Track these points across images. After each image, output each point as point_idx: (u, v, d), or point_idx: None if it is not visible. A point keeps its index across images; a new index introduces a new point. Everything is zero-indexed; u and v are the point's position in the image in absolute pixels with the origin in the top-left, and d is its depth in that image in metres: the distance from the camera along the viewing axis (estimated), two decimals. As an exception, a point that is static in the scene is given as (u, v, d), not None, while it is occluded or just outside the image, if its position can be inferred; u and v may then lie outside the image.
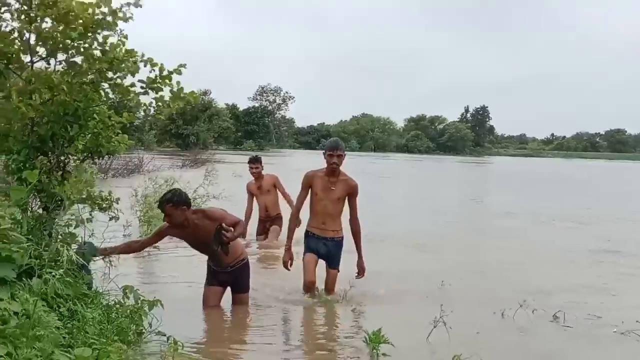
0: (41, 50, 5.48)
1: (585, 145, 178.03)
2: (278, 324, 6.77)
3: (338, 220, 7.56)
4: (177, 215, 6.53)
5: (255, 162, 11.35)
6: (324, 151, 7.47)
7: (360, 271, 7.63)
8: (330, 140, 7.58)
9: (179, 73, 5.72)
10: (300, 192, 7.57)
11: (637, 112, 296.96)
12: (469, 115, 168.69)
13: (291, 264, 7.39)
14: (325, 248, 7.55)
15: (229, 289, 7.12)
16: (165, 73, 5.69)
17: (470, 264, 10.83)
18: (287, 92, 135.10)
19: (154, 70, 5.68)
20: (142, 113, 6.13)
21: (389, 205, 21.25)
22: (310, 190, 7.51)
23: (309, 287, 7.50)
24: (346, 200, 7.52)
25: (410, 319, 7.04)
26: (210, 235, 6.58)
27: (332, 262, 7.62)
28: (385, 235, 13.21)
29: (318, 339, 6.33)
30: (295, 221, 7.67)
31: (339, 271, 7.65)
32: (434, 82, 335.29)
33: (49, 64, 5.60)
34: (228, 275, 6.95)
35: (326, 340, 6.25)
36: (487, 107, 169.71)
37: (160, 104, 5.81)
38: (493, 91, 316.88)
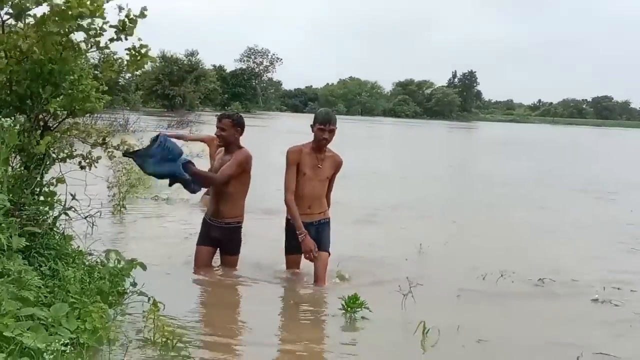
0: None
1: (571, 112, 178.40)
2: (260, 291, 6.71)
3: (324, 200, 6.72)
4: (231, 134, 6.80)
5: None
6: (312, 124, 6.50)
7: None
8: (321, 111, 6.64)
9: (144, 16, 5.58)
10: (288, 171, 6.51)
11: (623, 80, 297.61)
12: (456, 80, 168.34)
13: (316, 251, 6.45)
14: (313, 233, 6.55)
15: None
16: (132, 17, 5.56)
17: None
18: (274, 54, 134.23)
19: (120, 15, 5.54)
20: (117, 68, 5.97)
21: (385, 175, 21.22)
22: (297, 168, 6.52)
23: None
24: None
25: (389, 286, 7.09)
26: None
27: (323, 245, 6.64)
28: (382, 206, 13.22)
29: (296, 304, 6.34)
30: (294, 206, 6.49)
31: (330, 254, 6.71)
32: (425, 46, 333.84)
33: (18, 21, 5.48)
34: (221, 231, 6.78)
35: (305, 305, 6.27)
36: (474, 72, 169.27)
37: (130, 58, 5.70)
38: (482, 56, 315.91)
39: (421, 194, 15.43)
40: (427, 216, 12.25)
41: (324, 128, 6.44)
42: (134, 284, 5.40)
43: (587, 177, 22.27)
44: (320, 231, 6.63)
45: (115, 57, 5.84)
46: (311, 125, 6.51)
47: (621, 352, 5.39)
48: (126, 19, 5.50)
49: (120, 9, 5.45)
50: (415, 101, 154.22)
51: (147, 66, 5.72)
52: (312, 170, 6.52)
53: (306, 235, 6.39)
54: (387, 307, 6.09)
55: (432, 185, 17.84)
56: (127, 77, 56.41)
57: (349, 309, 5.77)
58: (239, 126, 6.85)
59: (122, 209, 10.00)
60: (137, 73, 6.00)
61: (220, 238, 6.88)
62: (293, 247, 6.64)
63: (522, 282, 7.53)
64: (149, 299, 5.11)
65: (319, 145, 6.52)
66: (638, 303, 6.81)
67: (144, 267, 5.57)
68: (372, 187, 16.41)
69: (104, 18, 5.39)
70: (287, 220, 6.66)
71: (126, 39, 5.56)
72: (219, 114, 7.07)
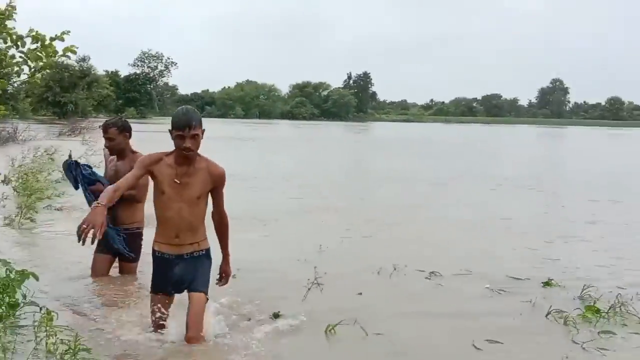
0: None
1: (463, 110, 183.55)
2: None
3: (201, 228, 4.99)
4: (120, 141, 6.70)
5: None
6: (170, 129, 4.75)
7: (224, 276, 5.34)
8: (178, 112, 4.80)
9: (62, 39, 5.59)
10: (131, 173, 4.85)
11: (512, 78, 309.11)
12: (351, 81, 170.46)
13: (96, 232, 4.24)
14: (181, 270, 4.99)
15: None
16: (47, 42, 5.57)
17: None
18: (169, 58, 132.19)
19: (36, 42, 5.55)
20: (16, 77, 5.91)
21: (273, 177, 21.29)
22: (154, 185, 4.93)
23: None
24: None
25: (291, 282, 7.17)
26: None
27: (196, 284, 4.99)
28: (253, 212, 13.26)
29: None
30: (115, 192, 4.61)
31: (207, 295, 5.04)
32: (322, 47, 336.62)
33: None
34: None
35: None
36: (369, 73, 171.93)
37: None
38: (378, 57, 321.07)
39: (320, 194, 15.62)
40: (325, 216, 12.40)
41: (183, 134, 4.68)
42: (24, 296, 5.26)
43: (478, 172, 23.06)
44: (192, 266, 4.98)
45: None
46: (170, 131, 4.76)
47: (509, 339, 5.65)
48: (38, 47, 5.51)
49: (35, 38, 5.46)
50: (312, 103, 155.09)
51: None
52: (173, 189, 4.82)
53: (101, 207, 4.33)
54: (289, 308, 6.14)
55: (330, 185, 18.05)
56: (15, 85, 54.16)
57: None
58: (126, 131, 6.75)
59: (19, 219, 9.66)
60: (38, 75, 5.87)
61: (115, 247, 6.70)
62: (159, 284, 5.09)
63: (415, 275, 7.76)
64: (40, 309, 4.99)
65: (182, 156, 4.77)
66: (528, 293, 7.09)
67: (36, 277, 5.43)
68: (271, 190, 16.45)
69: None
70: (154, 252, 5.07)
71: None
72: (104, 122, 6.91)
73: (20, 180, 11.21)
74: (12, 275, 5.33)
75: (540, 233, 11.07)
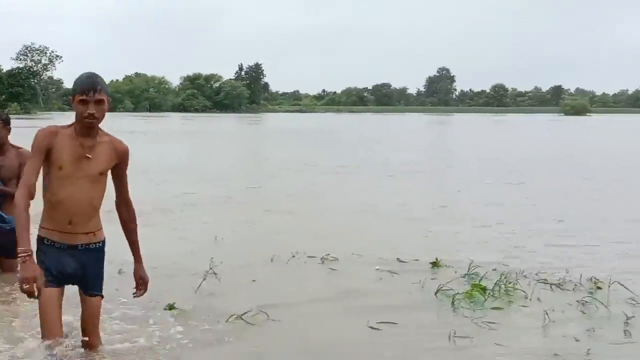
0: None
1: (354, 100, 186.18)
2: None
3: (96, 214, 4.32)
4: (3, 135, 6.51)
5: None
6: (72, 95, 4.22)
7: (140, 283, 4.57)
8: (81, 76, 4.21)
9: None
10: (31, 161, 4.17)
11: (401, 67, 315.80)
12: (243, 73, 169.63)
13: (40, 285, 3.98)
14: (75, 263, 4.27)
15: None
16: None
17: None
18: (54, 51, 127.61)
19: None
20: None
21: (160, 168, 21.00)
22: (49, 162, 4.17)
23: (55, 343, 4.27)
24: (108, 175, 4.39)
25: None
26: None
27: (92, 285, 4.38)
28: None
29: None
30: (27, 208, 4.05)
31: (102, 297, 4.49)
32: (214, 38, 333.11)
33: None
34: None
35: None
36: (261, 64, 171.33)
37: None
38: (270, 48, 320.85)
39: (217, 185, 15.54)
40: (221, 207, 12.38)
41: (86, 99, 4.08)
42: None
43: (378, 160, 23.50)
44: (87, 261, 4.30)
45: None
46: (71, 98, 4.21)
47: (402, 318, 5.84)
48: None
49: None
50: (204, 95, 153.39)
51: None
52: (74, 163, 4.15)
53: (30, 258, 3.95)
54: (184, 300, 6.11)
55: (227, 177, 17.96)
56: None
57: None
58: (8, 124, 6.64)
59: None
60: None
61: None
62: (52, 275, 4.22)
63: (310, 261, 7.89)
64: None
65: (85, 125, 4.14)
66: (418, 273, 7.34)
67: None
68: (166, 182, 16.21)
69: None
70: (40, 239, 4.28)
71: None
72: None
73: None
74: None
75: (432, 217, 11.43)
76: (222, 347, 5.14)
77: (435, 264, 7.67)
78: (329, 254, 7.96)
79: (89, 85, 4.10)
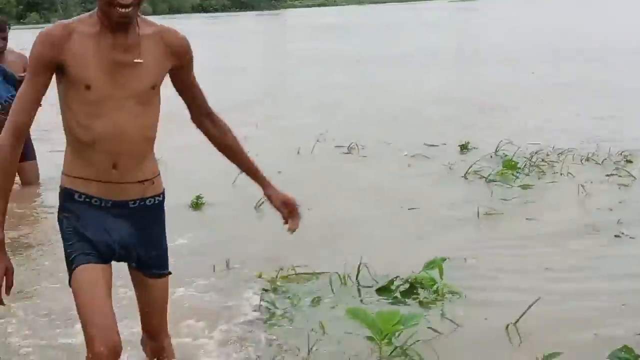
0: None
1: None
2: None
3: (151, 151, 2.71)
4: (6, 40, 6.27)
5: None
6: None
7: (291, 210, 2.83)
8: None
9: None
10: (25, 85, 2.52)
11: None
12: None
13: (10, 283, 2.52)
14: (125, 229, 2.67)
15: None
16: None
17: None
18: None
19: None
20: None
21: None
22: (65, 82, 2.53)
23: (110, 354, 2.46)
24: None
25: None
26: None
27: (154, 261, 2.78)
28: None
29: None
30: (7, 162, 2.50)
31: (170, 274, 2.86)
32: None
33: None
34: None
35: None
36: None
37: None
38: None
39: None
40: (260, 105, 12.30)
41: None
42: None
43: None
44: (144, 224, 2.71)
45: None
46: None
47: (431, 199, 5.86)
48: None
49: None
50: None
51: None
52: (108, 76, 2.52)
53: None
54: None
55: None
56: None
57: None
58: (3, 32, 6.36)
59: None
60: None
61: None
62: (91, 248, 2.59)
63: (336, 147, 7.93)
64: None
65: (114, 16, 2.46)
66: (444, 157, 7.27)
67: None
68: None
69: None
70: (67, 192, 2.64)
71: None
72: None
73: None
74: None
75: (462, 101, 11.20)
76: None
77: (464, 147, 7.60)
78: (355, 143, 7.91)
79: None
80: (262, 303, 3.90)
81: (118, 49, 2.51)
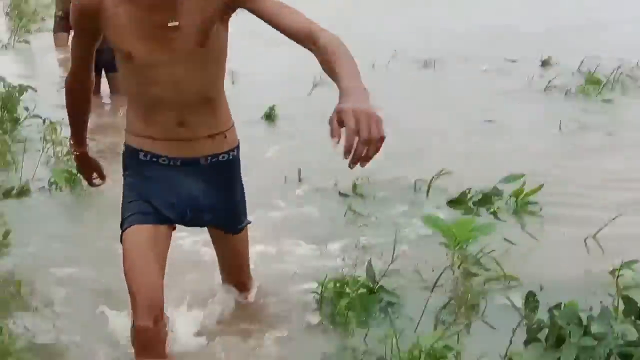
0: None
1: None
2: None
3: (222, 100, 2.46)
4: None
5: None
6: None
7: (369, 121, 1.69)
8: None
9: None
10: (74, 39, 2.42)
11: None
12: None
13: (100, 177, 2.77)
14: (202, 187, 2.47)
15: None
16: None
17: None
18: None
19: None
20: None
21: None
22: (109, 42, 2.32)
23: (149, 313, 2.27)
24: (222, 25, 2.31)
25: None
26: None
27: (232, 219, 2.61)
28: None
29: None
30: (72, 96, 2.57)
31: (250, 223, 2.70)
32: None
33: None
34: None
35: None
36: None
37: None
38: None
39: None
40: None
41: None
42: (27, 109, 5.31)
43: None
44: (219, 182, 2.51)
45: None
46: None
47: (508, 113, 5.74)
48: None
49: None
50: None
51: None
52: (149, 43, 2.25)
53: (82, 146, 2.70)
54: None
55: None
56: None
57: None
58: None
59: (13, 41, 9.51)
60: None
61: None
62: (151, 208, 2.41)
63: (412, 62, 7.78)
64: (44, 121, 5.06)
65: None
66: (528, 72, 7.06)
67: (34, 89, 5.47)
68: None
69: None
70: (132, 151, 2.47)
71: None
72: None
73: (12, 5, 11.21)
74: (10, 90, 5.39)
75: (541, 16, 10.75)
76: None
77: (546, 62, 7.38)
78: (432, 58, 7.75)
79: None
80: (340, 208, 3.93)
81: (155, 10, 2.20)
